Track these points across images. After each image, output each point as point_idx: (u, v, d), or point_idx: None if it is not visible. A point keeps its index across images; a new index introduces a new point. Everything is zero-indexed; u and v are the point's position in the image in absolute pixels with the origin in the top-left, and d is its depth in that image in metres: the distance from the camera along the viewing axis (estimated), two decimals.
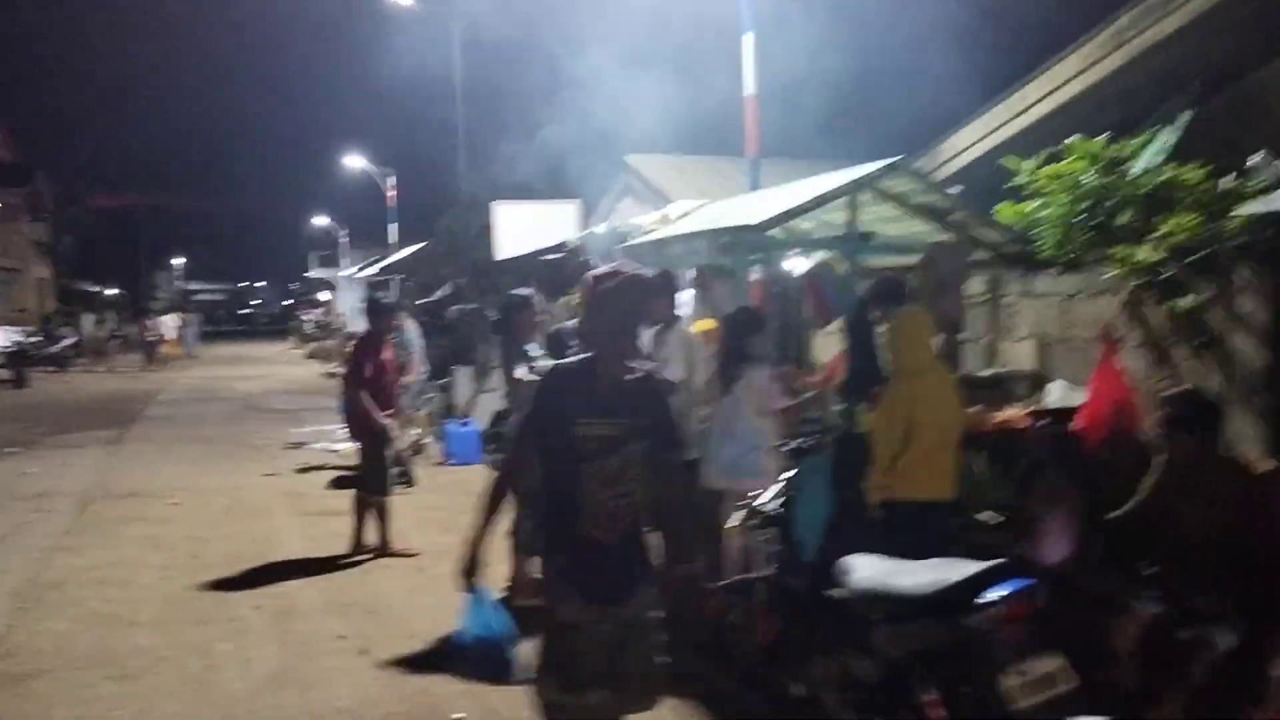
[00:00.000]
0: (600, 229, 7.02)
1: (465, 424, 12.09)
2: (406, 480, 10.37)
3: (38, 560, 7.58)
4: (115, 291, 56.10)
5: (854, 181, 5.93)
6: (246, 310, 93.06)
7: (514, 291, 6.65)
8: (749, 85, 9.75)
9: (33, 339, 29.62)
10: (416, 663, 5.51)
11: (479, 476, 10.98)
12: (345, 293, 50.97)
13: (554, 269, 14.91)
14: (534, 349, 6.47)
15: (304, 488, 10.51)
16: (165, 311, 40.88)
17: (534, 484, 3.31)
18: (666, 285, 6.40)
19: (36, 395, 21.88)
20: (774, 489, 5.12)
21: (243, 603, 6.57)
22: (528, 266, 14.14)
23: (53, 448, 13.67)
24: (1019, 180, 6.48)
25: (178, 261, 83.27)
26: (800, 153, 11.71)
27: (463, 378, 17.72)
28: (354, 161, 32.15)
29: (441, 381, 20.09)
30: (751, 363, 5.67)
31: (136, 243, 67.50)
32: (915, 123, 12.70)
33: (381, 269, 29.04)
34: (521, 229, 13.12)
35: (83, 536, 8.37)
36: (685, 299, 7.50)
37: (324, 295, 61.14)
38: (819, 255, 6.97)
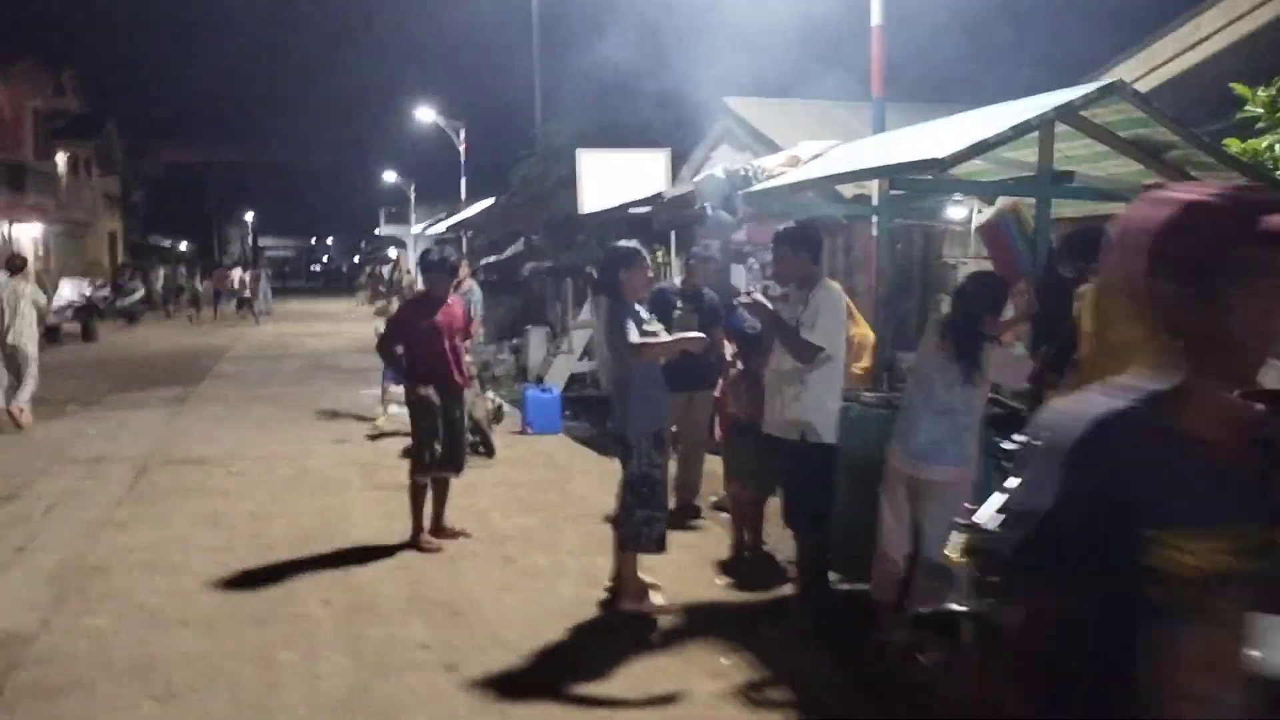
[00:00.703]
0: (718, 171, 5.93)
1: (545, 390, 11.13)
2: (486, 450, 9.49)
3: (84, 537, 6.79)
4: (186, 246, 56.34)
5: (1059, 107, 4.77)
6: (315, 266, 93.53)
7: (620, 243, 5.61)
8: (875, 14, 8.55)
9: (102, 292, 29.40)
10: (513, 684, 4.58)
11: (561, 447, 10.16)
12: (416, 250, 50.61)
13: (638, 223, 13.90)
14: (643, 311, 5.46)
15: (376, 456, 9.66)
16: (235, 266, 40.60)
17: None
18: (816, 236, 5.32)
19: (103, 350, 21.48)
20: (995, 500, 4.06)
21: (309, 596, 5.68)
22: (610, 220, 13.13)
23: (114, 407, 13.03)
24: (1249, 111, 5.27)
25: (248, 216, 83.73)
26: (922, 96, 10.52)
27: (536, 338, 16.83)
28: (425, 115, 31.22)
29: (513, 342, 19.32)
30: (988, 344, 4.53)
31: (206, 197, 67.73)
32: (1056, 67, 11.40)
33: (451, 226, 28.25)
34: (607, 179, 12.08)
35: (135, 508, 7.58)
36: None
37: (392, 252, 60.92)
38: (994, 204, 5.84)
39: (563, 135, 17.29)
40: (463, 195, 30.35)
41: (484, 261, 25.88)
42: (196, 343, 23.51)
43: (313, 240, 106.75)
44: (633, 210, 10.61)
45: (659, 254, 12.68)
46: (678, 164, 12.09)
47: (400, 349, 6.59)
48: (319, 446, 10.13)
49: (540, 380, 14.92)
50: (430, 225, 38.39)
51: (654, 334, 5.35)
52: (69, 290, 27.86)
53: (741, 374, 6.38)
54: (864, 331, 6.63)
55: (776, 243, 5.17)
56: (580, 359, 15.63)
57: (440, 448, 6.56)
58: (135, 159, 43.42)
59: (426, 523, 6.62)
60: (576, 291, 17.14)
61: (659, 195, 9.55)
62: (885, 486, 4.65)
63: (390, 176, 52.90)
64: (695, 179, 5.96)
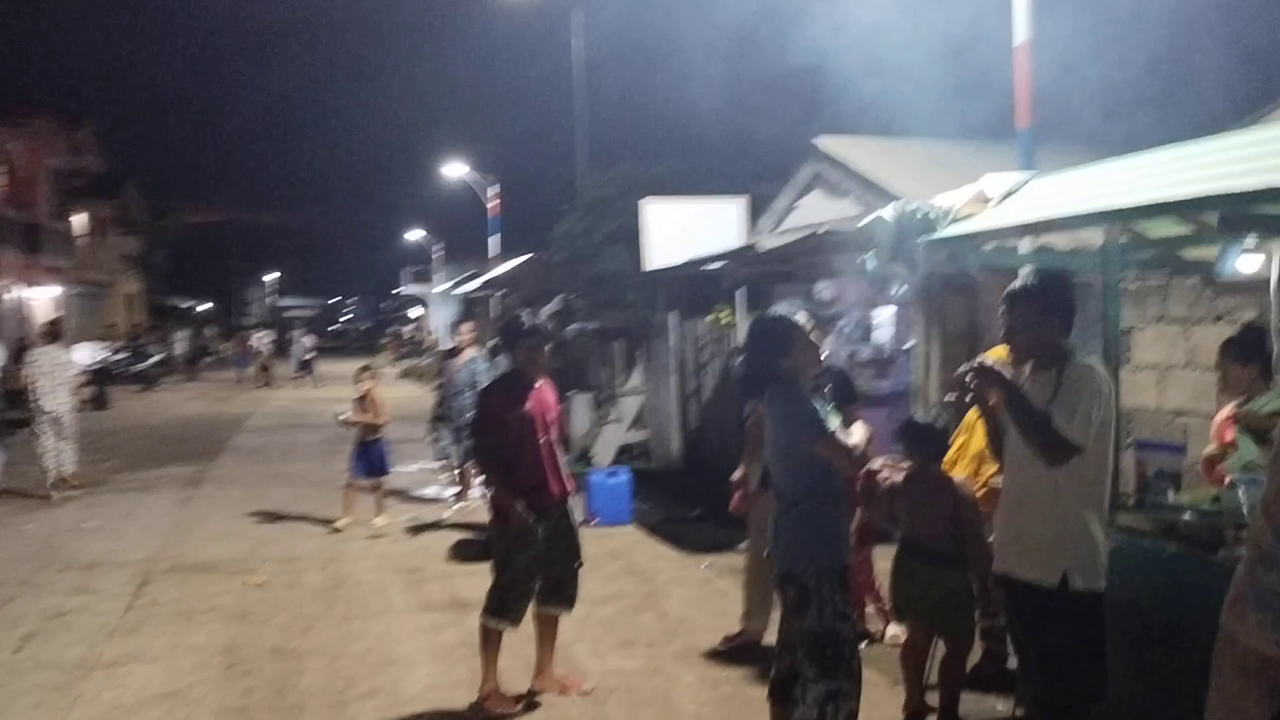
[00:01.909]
0: (885, 213, 4.49)
1: (612, 473, 9.61)
2: None
3: (59, 693, 5.29)
4: (207, 307, 55.45)
5: None
6: (337, 326, 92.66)
7: (775, 310, 4.16)
8: (1020, 31, 7.17)
9: (119, 356, 28.21)
10: None
11: (637, 544, 8.53)
12: (438, 309, 49.47)
13: (702, 281, 12.49)
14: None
15: (420, 558, 8.15)
16: (258, 327, 39.82)
17: None
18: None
19: (117, 418, 20.16)
20: None
21: None
22: (677, 277, 11.73)
23: (121, 489, 11.62)
24: None
25: (269, 277, 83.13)
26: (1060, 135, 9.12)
27: (580, 406, 15.36)
28: (454, 170, 30.12)
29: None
30: None
31: (228, 258, 67.03)
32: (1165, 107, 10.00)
33: (483, 284, 26.95)
34: (677, 230, 10.71)
35: (131, 641, 6.09)
36: None
37: (415, 312, 59.95)
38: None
39: (608, 187, 15.99)
40: (491, 252, 29.10)
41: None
42: (213, 410, 22.18)
43: (333, 300, 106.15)
44: (712, 265, 9.20)
45: (723, 315, 11.27)
46: (755, 212, 10.71)
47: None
48: (351, 543, 8.64)
49: (586, 453, 13.44)
50: (457, 284, 37.30)
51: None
52: (84, 355, 26.65)
53: (913, 477, 4.88)
54: None
55: (1012, 304, 3.69)
56: (630, 428, 14.18)
57: (544, 580, 5.06)
58: (156, 219, 42.55)
59: (503, 677, 5.07)
60: (625, 354, 15.73)
61: (750, 248, 8.09)
62: (1220, 679, 3.08)
63: (415, 234, 52.03)
64: (869, 218, 4.57)
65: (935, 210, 4.59)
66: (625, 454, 13.94)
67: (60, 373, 11.40)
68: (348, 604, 6.83)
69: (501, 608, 4.94)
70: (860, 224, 4.92)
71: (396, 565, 7.91)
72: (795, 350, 3.95)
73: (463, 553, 8.30)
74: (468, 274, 39.46)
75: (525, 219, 30.80)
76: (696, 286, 13.77)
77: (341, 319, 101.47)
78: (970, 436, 5.47)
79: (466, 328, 10.41)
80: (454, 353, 10.34)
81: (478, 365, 9.72)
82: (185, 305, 48.46)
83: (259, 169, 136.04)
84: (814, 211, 9.56)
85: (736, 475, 5.69)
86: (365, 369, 9.70)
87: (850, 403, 5.64)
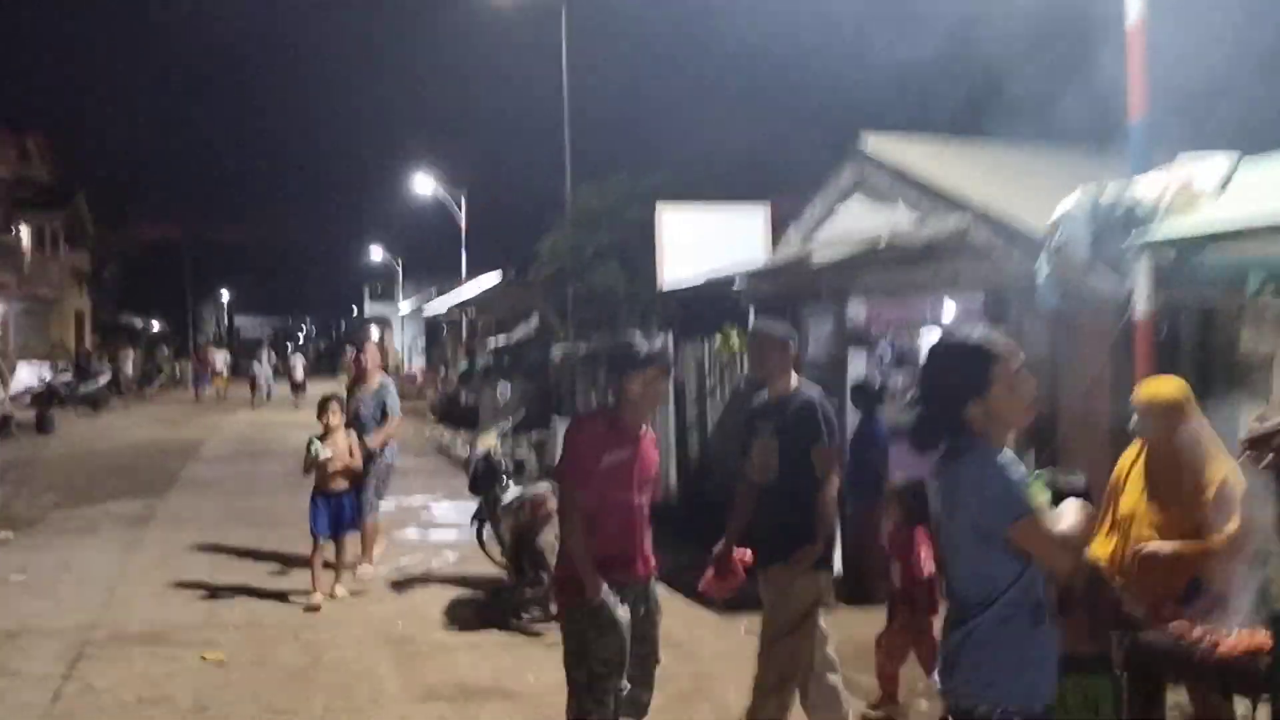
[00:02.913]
0: (1072, 206, 3.36)
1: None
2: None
3: None
4: (159, 326, 53.54)
5: None
6: (289, 345, 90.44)
7: (967, 331, 3.01)
8: (1133, 10, 6.12)
9: (65, 377, 26.55)
10: None
11: (666, 606, 6.60)
12: (401, 329, 48.06)
13: (702, 301, 11.37)
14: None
15: (411, 623, 6.91)
16: (217, 347, 38.64)
17: None
18: None
19: (60, 444, 18.63)
20: None
21: None
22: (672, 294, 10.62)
23: (58, 531, 10.24)
24: None
25: (224, 295, 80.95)
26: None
27: (563, 430, 14.20)
28: (423, 185, 28.88)
29: (533, 436, 16.69)
30: None
31: (182, 275, 64.99)
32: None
33: (459, 304, 25.69)
34: (693, 240, 9.60)
35: None
36: None
37: (374, 331, 58.39)
38: None
39: (599, 199, 14.88)
40: (463, 271, 27.90)
41: (491, 343, 23.31)
42: (165, 436, 20.66)
43: (289, 320, 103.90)
44: (742, 279, 8.08)
45: (731, 337, 10.17)
46: (786, 220, 9.62)
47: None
48: (328, 605, 7.36)
49: (523, 467, 12.25)
50: (423, 303, 35.92)
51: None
52: (27, 375, 25.04)
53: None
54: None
55: None
56: None
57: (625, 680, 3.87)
58: (107, 233, 40.77)
59: None
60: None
61: (796, 264, 6.94)
62: None
63: (377, 252, 50.60)
64: (1060, 211, 3.48)
65: (1140, 204, 3.48)
66: None
67: None
68: (328, 691, 5.57)
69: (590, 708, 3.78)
70: (1061, 213, 3.77)
71: (383, 634, 6.66)
72: (995, 391, 2.81)
73: (460, 617, 7.09)
74: (434, 293, 38.13)
75: (500, 236, 29.69)
76: (699, 305, 12.70)
77: (298, 339, 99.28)
78: (1121, 496, 4.37)
79: (372, 349, 8.73)
80: (360, 378, 8.56)
81: (387, 393, 8.30)
82: (137, 323, 46.57)
83: (215, 184, 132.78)
84: (856, 220, 8.48)
85: (717, 549, 4.63)
86: (331, 400, 7.63)
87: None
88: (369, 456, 7.84)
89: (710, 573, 4.64)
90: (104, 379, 28.36)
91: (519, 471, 7.98)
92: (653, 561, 4.02)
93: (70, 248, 36.19)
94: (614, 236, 14.38)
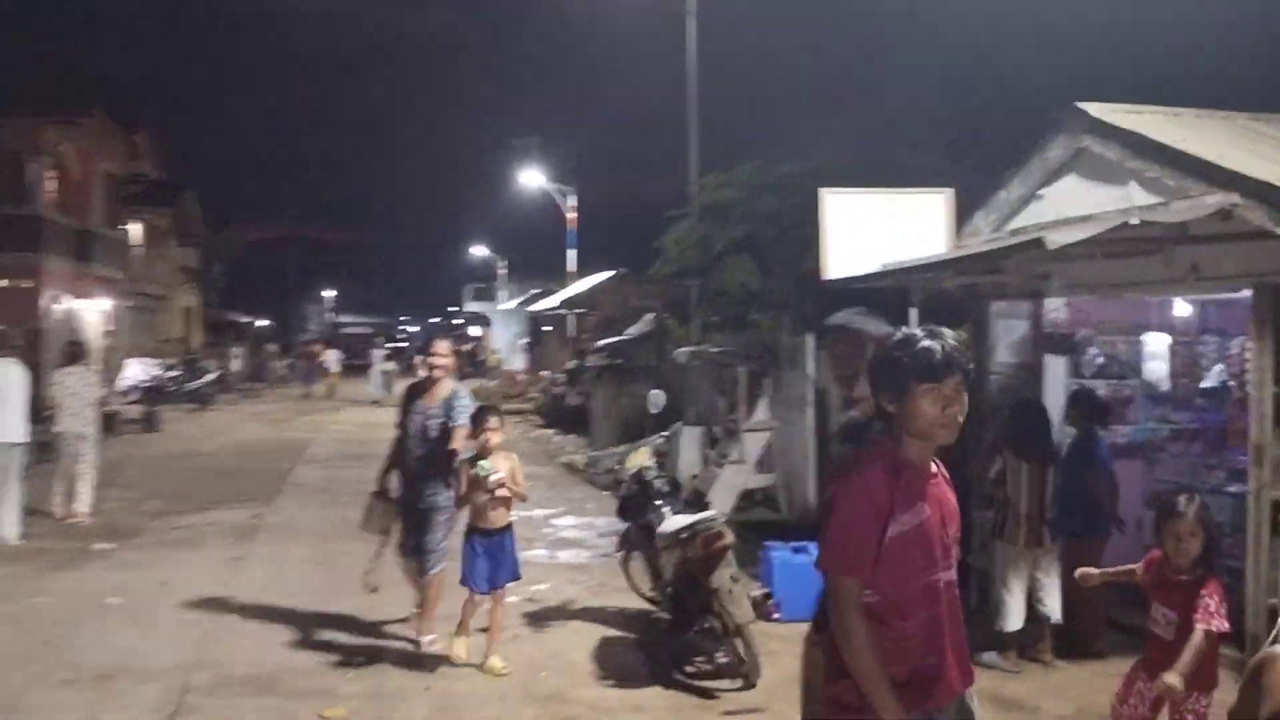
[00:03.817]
0: None
1: (799, 548, 7.20)
2: (747, 675, 5.61)
3: None
4: (265, 323, 54.05)
5: None
6: (395, 345, 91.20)
7: None
8: None
9: (172, 374, 26.41)
10: None
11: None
12: (502, 327, 47.52)
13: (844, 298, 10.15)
14: None
15: (557, 673, 5.84)
16: (320, 344, 39.23)
17: None
18: None
19: (165, 443, 18.19)
20: None
21: None
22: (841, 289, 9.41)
23: (160, 542, 9.49)
24: None
25: (327, 293, 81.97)
26: None
27: (689, 441, 13.08)
28: (530, 179, 28.00)
29: (654, 444, 15.58)
30: None
31: (286, 273, 65.84)
32: None
33: (567, 302, 24.71)
34: (860, 231, 8.37)
35: None
36: None
37: (475, 330, 58.16)
38: None
39: (729, 190, 13.68)
40: (569, 267, 26.90)
41: (601, 343, 22.30)
42: (271, 435, 20.16)
43: (391, 318, 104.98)
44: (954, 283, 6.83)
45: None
46: (976, 205, 8.33)
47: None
48: (456, 645, 6.33)
49: (701, 498, 11.11)
50: (526, 302, 35.19)
51: None
52: (136, 371, 24.93)
53: None
54: None
55: None
56: (755, 470, 11.87)
57: None
58: (214, 232, 41.03)
59: None
60: (749, 383, 13.40)
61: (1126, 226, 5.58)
62: None
63: (479, 250, 50.19)
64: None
65: None
66: (748, 501, 11.70)
67: (84, 394, 10.55)
68: None
69: None
70: None
71: (527, 688, 5.60)
72: None
73: (612, 666, 6.01)
74: (537, 291, 37.44)
75: (611, 232, 28.68)
76: (853, 303, 11.46)
77: (399, 338, 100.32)
78: None
79: (443, 349, 6.44)
80: (423, 386, 6.44)
81: (458, 403, 6.20)
82: (242, 320, 46.93)
83: (319, 183, 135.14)
84: (1069, 202, 7.16)
85: None
86: (490, 411, 5.96)
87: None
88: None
89: None
90: (210, 376, 28.23)
91: (674, 493, 6.84)
92: (972, 669, 2.80)
93: (178, 245, 36.39)
94: (746, 229, 13.20)
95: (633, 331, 21.52)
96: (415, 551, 6.22)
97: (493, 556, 5.79)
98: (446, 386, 6.28)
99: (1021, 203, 7.78)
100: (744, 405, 13.43)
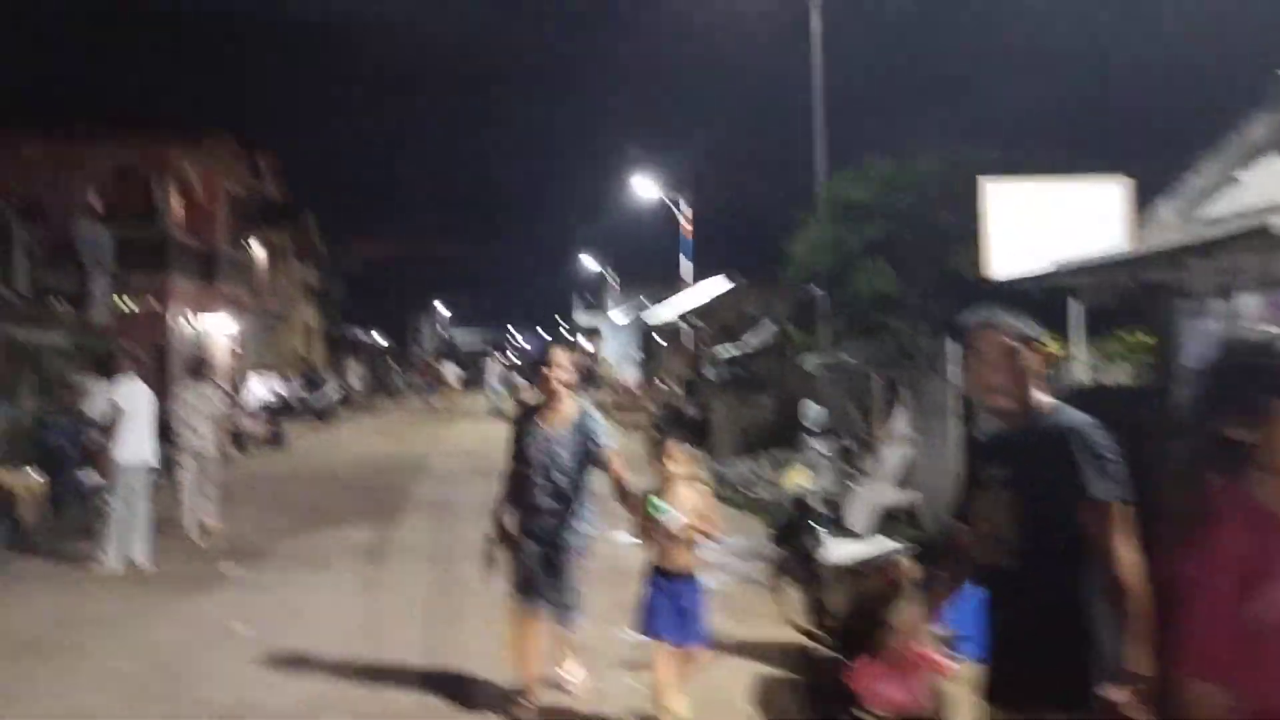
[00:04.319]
0: None
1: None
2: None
3: None
4: (382, 339, 54.99)
5: None
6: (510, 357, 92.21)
7: None
8: None
9: (295, 390, 26.80)
10: None
11: None
12: (612, 339, 47.36)
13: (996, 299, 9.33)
14: None
15: (720, 716, 5.28)
16: (439, 358, 40.33)
17: None
18: None
19: (292, 460, 18.28)
20: None
21: None
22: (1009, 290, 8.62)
23: (288, 565, 9.25)
24: None
25: (440, 308, 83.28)
26: None
27: (819, 454, 12.38)
28: (642, 188, 27.63)
29: (776, 456, 14.94)
30: None
31: (400, 289, 66.95)
32: None
33: (684, 312, 24.23)
34: (1025, 224, 7.64)
35: None
36: None
37: (585, 342, 58.14)
38: None
39: (862, 188, 12.96)
40: (685, 277, 26.44)
41: (720, 353, 21.72)
42: (392, 449, 20.14)
43: (500, 331, 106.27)
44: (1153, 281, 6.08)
45: (1051, 344, 8.08)
46: (1152, 193, 7.53)
47: None
48: (604, 681, 5.81)
49: (835, 511, 10.39)
50: (637, 312, 34.88)
51: None
52: (259, 388, 25.33)
53: None
54: None
55: None
56: (895, 486, 11.13)
57: None
58: (332, 249, 41.86)
59: None
60: (886, 394, 12.65)
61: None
62: None
63: (589, 262, 50.20)
64: None
65: None
66: (888, 519, 10.96)
67: (207, 411, 10.65)
68: None
69: None
70: None
71: None
72: None
73: (778, 707, 5.40)
74: (649, 302, 37.07)
75: (728, 240, 28.13)
76: (1013, 305, 10.66)
77: (508, 350, 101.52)
78: None
79: (565, 360, 5.34)
80: (542, 405, 5.38)
81: (593, 423, 5.28)
82: (360, 336, 47.78)
83: (431, 200, 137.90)
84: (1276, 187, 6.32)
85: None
86: (670, 441, 5.04)
87: None
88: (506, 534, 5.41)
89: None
90: (332, 392, 28.58)
91: (835, 517, 6.22)
92: None
93: (299, 263, 37.15)
94: (881, 229, 12.47)
95: (752, 341, 20.91)
96: (545, 598, 5.28)
97: (678, 604, 4.86)
98: (571, 405, 5.28)
99: (1214, 188, 6.94)
100: (880, 416, 12.70)
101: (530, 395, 6.17)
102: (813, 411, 10.23)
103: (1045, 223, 7.66)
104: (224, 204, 26.74)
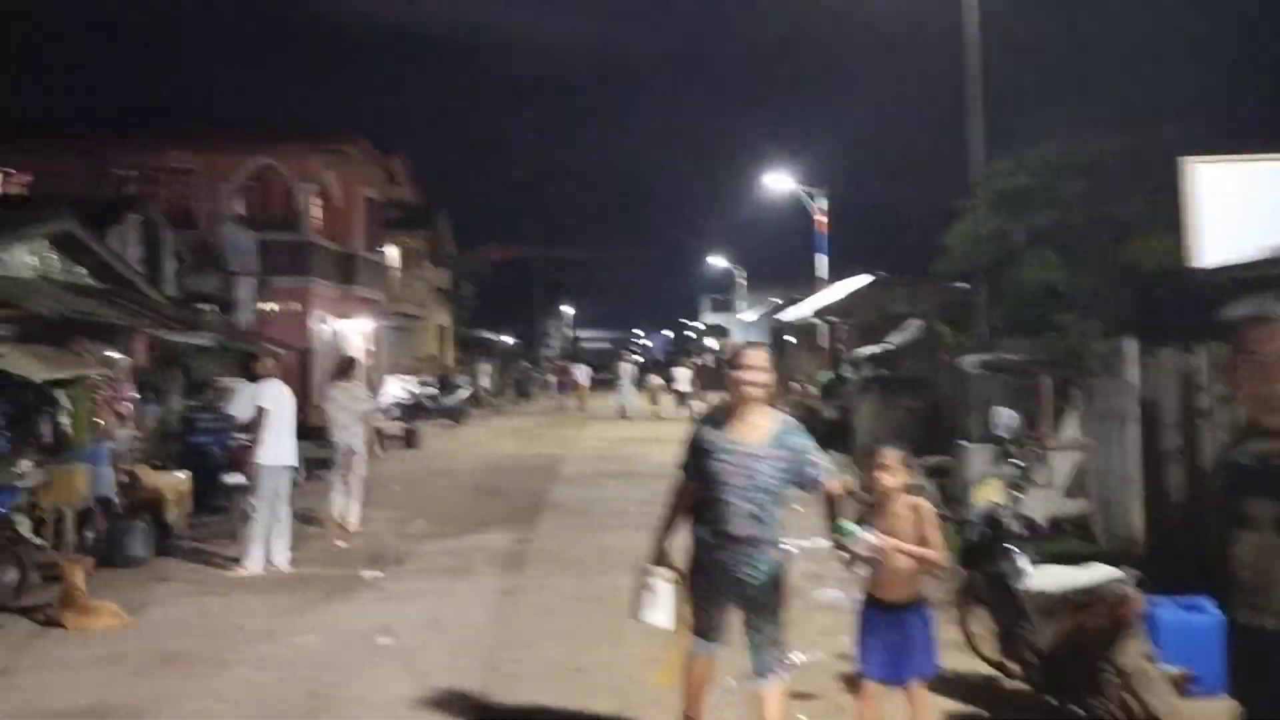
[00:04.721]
0: None
1: (1191, 604, 5.70)
2: None
3: None
4: (511, 340, 55.55)
5: None
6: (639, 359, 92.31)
7: None
8: None
9: (428, 391, 27.02)
10: None
11: None
12: (740, 338, 46.69)
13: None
14: None
15: None
16: (572, 360, 41.14)
17: None
18: None
19: (426, 460, 18.24)
20: None
21: None
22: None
23: (427, 569, 8.98)
24: None
25: (565, 309, 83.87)
26: None
27: (978, 460, 11.50)
28: (776, 184, 26.92)
29: (929, 462, 14.10)
30: None
31: (529, 291, 67.55)
32: None
33: (820, 310, 23.51)
34: (1240, 207, 6.77)
35: None
36: None
37: (711, 343, 57.57)
38: None
39: (1025, 174, 12.07)
40: (820, 274, 25.65)
41: (862, 353, 20.88)
42: (525, 451, 19.97)
43: (625, 332, 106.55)
44: None
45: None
46: None
47: None
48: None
49: (999, 524, 9.56)
50: (770, 312, 34.19)
51: None
52: (395, 389, 25.60)
53: None
54: None
55: None
56: (1065, 494, 10.27)
57: None
58: (463, 252, 42.36)
59: None
60: (1055, 396, 11.74)
61: None
62: None
63: (717, 261, 49.62)
64: None
65: None
66: (1057, 530, 10.09)
67: (355, 409, 10.72)
68: None
69: None
70: None
71: None
72: None
73: None
74: (779, 301, 36.30)
75: (863, 236, 27.34)
76: (1186, 302, 9.68)
77: (634, 350, 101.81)
78: None
79: (762, 361, 4.50)
80: (731, 413, 4.51)
81: (798, 439, 4.43)
82: (490, 338, 48.27)
83: (560, 202, 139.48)
84: None
85: None
86: (883, 450, 4.50)
87: None
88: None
89: None
90: (464, 392, 28.74)
91: (1033, 536, 5.53)
92: None
93: (432, 266, 37.62)
94: (1048, 218, 11.59)
95: (896, 340, 20.01)
96: (751, 653, 4.44)
97: (894, 637, 4.29)
98: (768, 415, 4.45)
99: None
100: (1048, 421, 11.81)
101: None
102: (1004, 418, 9.42)
103: (1259, 206, 6.78)
104: (361, 208, 27.15)
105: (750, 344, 4.93)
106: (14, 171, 20.95)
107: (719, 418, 4.54)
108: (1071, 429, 10.75)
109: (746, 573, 4.31)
